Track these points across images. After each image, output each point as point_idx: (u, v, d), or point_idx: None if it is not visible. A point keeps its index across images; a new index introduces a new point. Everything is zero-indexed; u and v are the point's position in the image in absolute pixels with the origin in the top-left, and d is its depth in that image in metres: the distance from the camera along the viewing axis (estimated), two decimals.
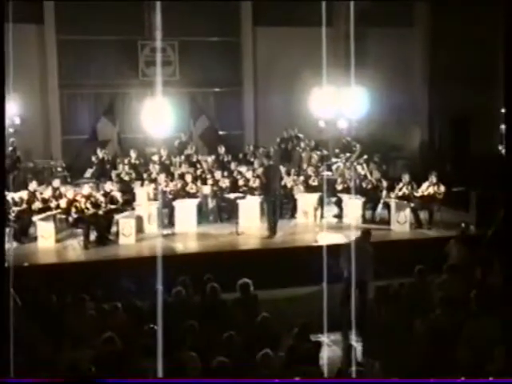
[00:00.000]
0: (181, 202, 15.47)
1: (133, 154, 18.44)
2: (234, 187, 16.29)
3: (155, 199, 15.71)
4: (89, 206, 14.36)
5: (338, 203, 16.23)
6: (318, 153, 19.26)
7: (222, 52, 23.03)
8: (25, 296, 10.00)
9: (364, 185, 16.24)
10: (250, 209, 15.60)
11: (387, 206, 15.68)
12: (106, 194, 14.96)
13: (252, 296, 10.00)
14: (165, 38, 21.69)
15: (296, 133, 20.54)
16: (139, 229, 14.79)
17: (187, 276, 10.31)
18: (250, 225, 15.34)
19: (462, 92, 21.14)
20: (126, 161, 18.36)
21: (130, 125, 21.14)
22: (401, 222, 15.16)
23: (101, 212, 14.45)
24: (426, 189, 15.33)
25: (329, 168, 18.32)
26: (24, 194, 14.94)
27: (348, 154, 18.68)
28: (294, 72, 21.17)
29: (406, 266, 10.87)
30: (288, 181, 16.51)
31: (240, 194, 15.76)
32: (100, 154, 18.78)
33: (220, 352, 7.52)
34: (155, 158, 18.31)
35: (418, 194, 15.35)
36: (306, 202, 16.23)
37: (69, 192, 15.04)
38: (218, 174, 16.68)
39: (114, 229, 14.68)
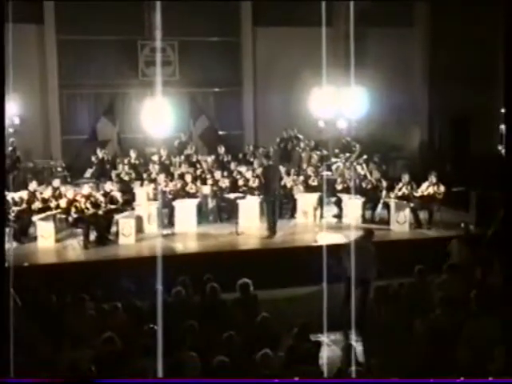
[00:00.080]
0: (181, 202, 15.47)
1: (133, 154, 18.45)
2: (234, 187, 16.30)
3: (155, 199, 15.71)
4: (89, 205, 14.36)
5: (338, 203, 16.23)
6: (318, 153, 19.27)
7: (222, 52, 23.03)
8: (25, 296, 10.00)
9: (364, 185, 16.24)
10: (250, 209, 15.60)
11: (387, 206, 15.69)
12: (105, 194, 14.97)
13: (252, 296, 10.00)
14: (165, 37, 21.71)
15: (296, 133, 20.54)
16: (139, 229, 14.79)
17: (187, 276, 10.30)
18: (249, 225, 15.35)
19: (461, 92, 21.14)
20: (125, 161, 18.36)
21: (130, 125, 21.17)
22: (400, 222, 15.16)
23: (101, 212, 14.45)
24: (426, 189, 15.33)
25: (328, 168, 18.33)
26: (24, 194, 14.95)
27: (348, 154, 18.68)
28: (293, 72, 21.18)
29: (406, 266, 10.87)
30: (288, 181, 16.51)
31: (240, 194, 15.77)
32: (100, 153, 18.79)
33: (220, 352, 7.51)
34: (155, 158, 18.32)
35: (418, 194, 15.35)
36: (305, 201, 16.23)
37: (69, 192, 15.03)
38: (217, 174, 16.68)
39: (113, 229, 14.68)
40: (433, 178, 15.35)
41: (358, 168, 17.26)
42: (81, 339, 8.32)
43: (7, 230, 13.54)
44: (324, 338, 9.61)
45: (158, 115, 15.34)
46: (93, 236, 14.31)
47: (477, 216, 15.09)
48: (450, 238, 13.18)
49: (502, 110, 13.61)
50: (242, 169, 17.48)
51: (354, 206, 15.81)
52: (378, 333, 9.37)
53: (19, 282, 9.41)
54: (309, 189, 16.50)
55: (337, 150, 19.15)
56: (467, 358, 7.82)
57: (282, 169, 16.80)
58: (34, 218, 14.31)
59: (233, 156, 19.40)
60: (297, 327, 8.53)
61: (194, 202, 15.63)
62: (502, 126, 17.72)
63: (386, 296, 10.24)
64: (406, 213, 15.16)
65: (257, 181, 16.00)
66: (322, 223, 15.70)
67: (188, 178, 16.17)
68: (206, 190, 16.37)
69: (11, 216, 14.11)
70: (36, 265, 12.97)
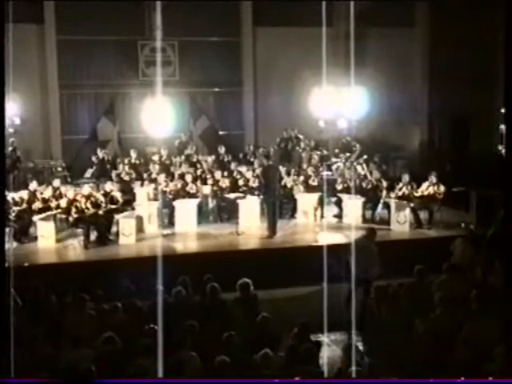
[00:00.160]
0: (181, 202, 15.47)
1: (133, 154, 18.46)
2: (234, 187, 16.30)
3: (155, 199, 15.74)
4: (89, 205, 14.37)
5: (338, 203, 16.23)
6: (318, 153, 19.27)
7: (222, 52, 23.01)
8: (25, 296, 10.01)
9: (364, 185, 16.25)
10: (250, 209, 15.60)
11: (387, 205, 15.68)
12: (106, 194, 14.98)
13: (252, 296, 10.00)
14: (165, 38, 21.73)
15: (296, 133, 20.52)
16: (139, 229, 14.79)
17: (187, 276, 10.31)
18: (250, 225, 15.35)
19: (462, 92, 21.16)
20: (126, 161, 18.38)
21: (130, 125, 21.21)
22: (401, 222, 15.16)
23: (101, 212, 14.46)
24: (426, 189, 15.34)
25: (329, 168, 18.32)
26: (24, 194, 14.98)
27: (348, 154, 18.67)
28: (293, 72, 21.19)
29: (406, 266, 10.86)
30: (288, 181, 16.52)
31: (240, 194, 15.77)
32: (100, 153, 18.78)
33: (220, 352, 7.52)
34: (155, 158, 18.33)
35: (418, 193, 15.35)
36: (305, 201, 16.24)
37: (69, 192, 15.05)
38: (218, 174, 16.68)
39: (114, 229, 14.69)
40: (433, 178, 15.34)
41: (359, 168, 17.27)
42: (81, 339, 8.32)
43: (7, 229, 13.56)
44: (324, 338, 9.61)
45: (158, 115, 15.34)
46: (93, 236, 14.31)
47: (477, 216, 15.10)
48: (451, 238, 13.18)
49: (502, 110, 13.61)
50: (243, 169, 17.48)
51: (354, 205, 15.80)
52: (379, 333, 9.38)
53: (20, 281, 9.43)
54: (309, 189, 16.51)
55: (337, 150, 19.13)
56: (467, 358, 7.82)
57: (283, 169, 16.80)
58: (35, 217, 14.33)
59: (233, 156, 19.42)
60: (297, 327, 8.54)
61: (195, 201, 15.64)
62: (502, 126, 17.72)
63: (387, 296, 10.25)
64: (407, 213, 15.16)
65: (257, 181, 16.00)
66: (322, 223, 15.70)
67: (188, 177, 16.18)
68: (207, 189, 16.38)
69: (12, 216, 14.12)
70: (36, 265, 12.98)
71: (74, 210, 14.37)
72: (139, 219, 14.93)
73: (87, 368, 7.08)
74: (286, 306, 11.57)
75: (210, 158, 18.77)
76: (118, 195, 15.13)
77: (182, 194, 15.80)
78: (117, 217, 14.61)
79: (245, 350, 8.00)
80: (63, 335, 8.81)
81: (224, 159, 19.02)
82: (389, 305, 9.97)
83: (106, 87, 22.36)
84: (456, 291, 9.59)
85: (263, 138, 22.61)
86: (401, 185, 15.57)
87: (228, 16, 22.86)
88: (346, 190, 16.17)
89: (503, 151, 15.30)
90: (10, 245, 13.30)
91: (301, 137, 20.36)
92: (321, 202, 16.11)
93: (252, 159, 18.90)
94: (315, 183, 16.57)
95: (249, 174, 16.64)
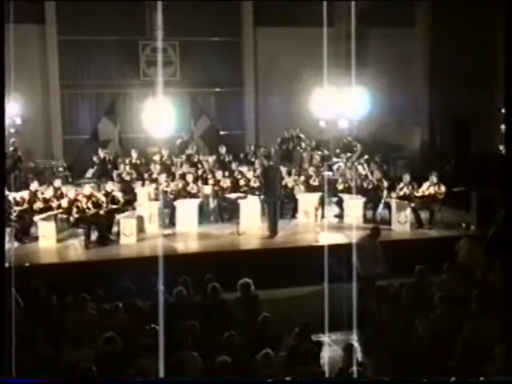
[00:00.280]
0: (182, 202, 15.48)
1: (134, 154, 18.46)
2: (235, 187, 16.30)
3: (156, 199, 15.74)
4: (90, 205, 14.38)
5: (339, 203, 16.23)
6: (319, 153, 19.28)
7: (223, 52, 23.01)
8: (26, 296, 10.02)
9: (365, 185, 16.25)
10: (251, 209, 15.59)
11: (388, 205, 15.68)
12: (107, 194, 14.97)
13: (253, 296, 10.00)
14: (166, 38, 21.77)
15: (297, 133, 20.52)
16: (140, 229, 14.80)
17: (188, 276, 10.31)
18: (250, 225, 15.35)
19: (462, 92, 21.16)
20: (127, 161, 18.39)
21: (131, 125, 21.23)
22: (401, 222, 15.16)
23: (102, 212, 14.46)
24: (427, 189, 15.33)
25: (330, 168, 18.33)
26: (25, 194, 14.98)
27: (349, 154, 18.67)
28: (294, 72, 21.20)
29: (407, 266, 10.87)
30: (289, 181, 16.52)
31: (241, 194, 15.78)
32: (101, 153, 18.80)
33: (221, 352, 7.52)
34: (156, 157, 18.35)
35: (419, 193, 15.35)
36: (306, 201, 16.24)
37: (70, 192, 15.05)
38: (219, 174, 16.69)
39: (115, 229, 14.70)
40: (434, 178, 15.34)
41: (359, 168, 17.27)
42: (82, 339, 8.33)
43: (8, 229, 13.58)
44: (325, 337, 9.62)
45: (159, 115, 15.37)
46: (94, 236, 14.32)
47: (478, 216, 15.09)
48: (451, 238, 13.18)
49: (503, 110, 13.61)
50: (244, 169, 17.48)
51: (355, 205, 15.81)
52: (379, 332, 9.39)
53: (21, 281, 9.43)
54: (310, 189, 16.51)
55: (338, 150, 19.14)
56: (467, 358, 7.82)
57: (284, 169, 16.80)
58: (36, 217, 14.33)
59: (234, 156, 19.43)
60: (298, 327, 8.54)
61: (196, 201, 15.64)
62: (503, 126, 17.72)
63: (387, 296, 10.26)
64: (407, 213, 15.16)
65: (258, 181, 16.00)
66: (323, 223, 15.71)
67: (189, 177, 16.18)
68: (208, 189, 16.38)
69: (13, 216, 14.13)
70: (37, 265, 12.96)
71: (74, 209, 14.37)
72: (140, 219, 14.93)
73: (88, 368, 7.09)
74: (287, 306, 11.55)
75: (211, 158, 18.78)
76: (119, 195, 15.13)
77: (183, 194, 15.80)
78: (118, 217, 14.61)
79: (246, 350, 8.01)
80: (64, 335, 8.82)
81: (225, 159, 19.03)
82: (389, 305, 9.98)
83: (107, 87, 22.38)
84: (456, 291, 9.60)
85: (264, 138, 22.61)
86: (402, 185, 15.57)
87: (229, 16, 22.87)
88: (347, 190, 16.17)
89: (504, 151, 15.30)
90: (11, 245, 13.32)
91: (302, 136, 20.36)
92: (322, 202, 16.11)
93: (253, 159, 18.91)
94: (316, 183, 16.57)
95: (250, 174, 16.64)
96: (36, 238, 14.33)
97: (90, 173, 18.74)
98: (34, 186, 15.16)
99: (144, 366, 7.16)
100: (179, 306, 9.40)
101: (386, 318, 9.78)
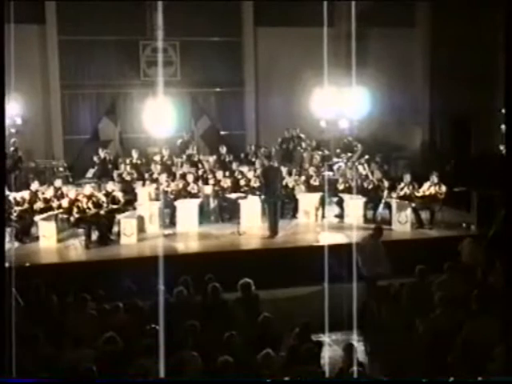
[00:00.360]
0: (182, 202, 15.48)
1: (134, 154, 18.46)
2: (236, 187, 16.31)
3: (157, 199, 15.75)
4: (90, 205, 14.38)
5: (340, 203, 16.23)
6: (320, 153, 19.28)
7: (224, 52, 23.01)
8: (27, 296, 10.03)
9: (365, 185, 16.25)
10: (252, 209, 15.59)
11: (388, 205, 15.68)
12: (107, 194, 14.98)
13: (253, 296, 10.01)
14: (166, 38, 21.78)
15: (297, 133, 20.52)
16: (141, 229, 14.80)
17: (189, 276, 10.32)
18: (251, 225, 15.35)
19: (462, 92, 21.16)
20: (127, 161, 18.40)
21: (132, 125, 21.23)
22: (402, 222, 15.15)
23: (102, 212, 14.47)
24: (428, 189, 15.33)
25: (330, 168, 18.32)
26: (26, 194, 14.99)
27: (349, 154, 18.67)
28: (295, 72, 21.20)
29: (407, 266, 10.87)
30: (289, 181, 16.52)
31: (241, 194, 15.78)
32: (102, 153, 18.81)
33: (221, 352, 7.53)
34: (157, 157, 18.35)
35: (420, 193, 15.34)
36: (307, 201, 16.24)
37: (70, 192, 15.06)
38: (219, 174, 16.69)
39: (115, 229, 14.70)
40: (434, 178, 15.34)
41: (360, 168, 17.27)
42: (82, 339, 8.34)
43: (9, 229, 13.59)
44: (326, 337, 9.62)
45: (159, 115, 15.37)
46: (94, 236, 14.32)
47: (478, 216, 15.09)
48: (452, 238, 13.19)
49: (503, 110, 13.62)
50: (244, 169, 17.49)
51: (355, 205, 15.81)
52: (379, 332, 9.39)
53: (21, 281, 9.44)
54: (310, 189, 16.51)
55: (338, 150, 19.14)
56: (467, 358, 7.83)
57: (284, 169, 16.79)
58: (36, 217, 14.34)
59: (234, 156, 19.43)
60: (298, 327, 8.55)
61: (196, 201, 15.64)
62: (503, 126, 17.72)
63: (387, 296, 10.26)
64: (408, 213, 15.16)
65: (258, 181, 16.00)
66: (323, 223, 15.70)
67: (190, 177, 16.18)
68: (208, 189, 16.38)
69: (13, 216, 14.14)
70: (38, 265, 12.97)
71: (75, 209, 14.38)
72: (140, 219, 14.94)
73: (88, 368, 7.10)
74: (288, 306, 11.55)
75: (212, 158, 18.80)
76: (119, 195, 15.13)
77: (184, 193, 15.81)
78: (118, 217, 14.61)
79: (246, 349, 8.01)
80: (64, 335, 8.82)
81: (225, 159, 19.03)
82: (389, 305, 9.98)
83: (108, 87, 22.39)
84: (456, 291, 9.60)
85: (264, 138, 22.62)
86: (402, 185, 15.57)
87: (229, 16, 22.88)
88: (348, 190, 16.17)
89: (504, 151, 15.29)
90: (12, 245, 13.33)
91: (302, 136, 20.36)
92: (322, 202, 16.11)
93: (253, 159, 18.91)
94: (317, 183, 16.57)
95: (250, 174, 16.65)
96: (36, 238, 14.33)
97: (90, 173, 18.75)
98: (35, 186, 15.17)
99: (144, 365, 7.17)
100: (179, 306, 9.40)
101: (387, 317, 9.77)
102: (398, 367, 8.18)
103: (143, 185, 16.99)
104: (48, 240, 14.15)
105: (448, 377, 7.11)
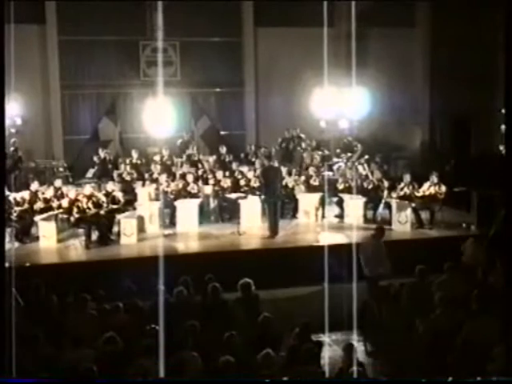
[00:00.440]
0: (182, 202, 15.48)
1: (134, 154, 18.46)
2: (236, 187, 16.31)
3: (157, 199, 15.75)
4: (90, 205, 14.38)
5: (340, 203, 16.23)
6: (320, 153, 19.28)
7: (224, 52, 23.01)
8: (27, 296, 10.03)
9: (365, 185, 16.25)
10: (252, 209, 15.59)
11: (388, 205, 15.67)
12: (107, 194, 14.98)
13: (253, 296, 10.01)
14: (166, 38, 21.77)
15: (297, 133, 20.52)
16: (141, 229, 14.80)
17: (188, 276, 10.33)
18: (251, 225, 15.35)
19: (462, 92, 21.16)
20: (127, 161, 18.40)
21: (132, 125, 21.24)
22: (402, 222, 15.15)
23: (102, 212, 14.47)
24: (427, 189, 15.33)
25: (330, 168, 18.33)
26: (26, 194, 14.98)
27: (349, 154, 18.67)
28: (295, 72, 21.21)
29: (407, 266, 10.87)
30: (289, 181, 16.52)
31: (241, 194, 15.78)
32: (102, 154, 18.81)
33: (221, 352, 7.53)
34: (157, 158, 18.35)
35: (419, 193, 15.34)
36: (307, 202, 16.23)
37: (70, 192, 15.06)
38: (219, 174, 16.69)
39: (115, 229, 14.70)
40: (434, 178, 15.34)
41: (360, 168, 17.27)
42: (82, 339, 8.34)
43: (9, 229, 13.59)
44: (326, 338, 9.63)
45: (159, 115, 15.37)
46: (94, 236, 14.32)
47: (478, 216, 15.10)
48: (452, 238, 13.18)
49: (503, 110, 13.62)
50: (244, 169, 17.49)
51: (355, 206, 15.81)
52: (379, 332, 9.40)
53: (21, 281, 9.44)
54: (310, 189, 16.51)
55: (338, 150, 19.14)
56: (467, 358, 7.83)
57: (284, 169, 16.79)
58: (36, 218, 14.34)
59: (234, 156, 19.43)
60: (298, 327, 8.55)
61: (196, 201, 15.64)
62: (503, 126, 17.72)
63: (388, 296, 10.26)
64: (408, 213, 15.16)
65: (258, 181, 16.00)
66: (323, 223, 15.70)
67: (190, 177, 16.18)
68: (208, 189, 16.38)
69: (13, 216, 14.14)
70: (38, 265, 12.97)
71: (75, 210, 14.38)
72: (140, 219, 14.93)
73: (88, 368, 7.10)
74: (288, 306, 11.55)
75: (212, 158, 18.80)
76: (119, 195, 15.13)
77: (184, 194, 15.80)
78: (118, 217, 14.61)
79: (246, 350, 8.01)
80: (64, 335, 8.82)
81: (225, 159, 19.04)
82: (389, 305, 9.98)
83: (108, 87, 22.40)
84: (456, 291, 9.60)
85: (264, 138, 22.62)
86: (402, 185, 15.56)
87: (229, 16, 22.88)
88: (348, 190, 16.17)
89: (504, 151, 15.30)
90: (12, 245, 13.33)
91: (302, 136, 20.35)
92: (322, 202, 16.11)
93: (253, 159, 18.91)
94: (316, 183, 16.57)
95: (250, 174, 16.65)
96: (36, 238, 14.33)
97: (90, 173, 18.75)
98: (35, 186, 15.17)
99: (144, 366, 7.17)
100: (179, 306, 9.40)
101: (387, 318, 9.78)
102: (398, 367, 8.19)
103: (143, 185, 16.99)
104: (48, 240, 14.15)
105: (448, 377, 7.11)
